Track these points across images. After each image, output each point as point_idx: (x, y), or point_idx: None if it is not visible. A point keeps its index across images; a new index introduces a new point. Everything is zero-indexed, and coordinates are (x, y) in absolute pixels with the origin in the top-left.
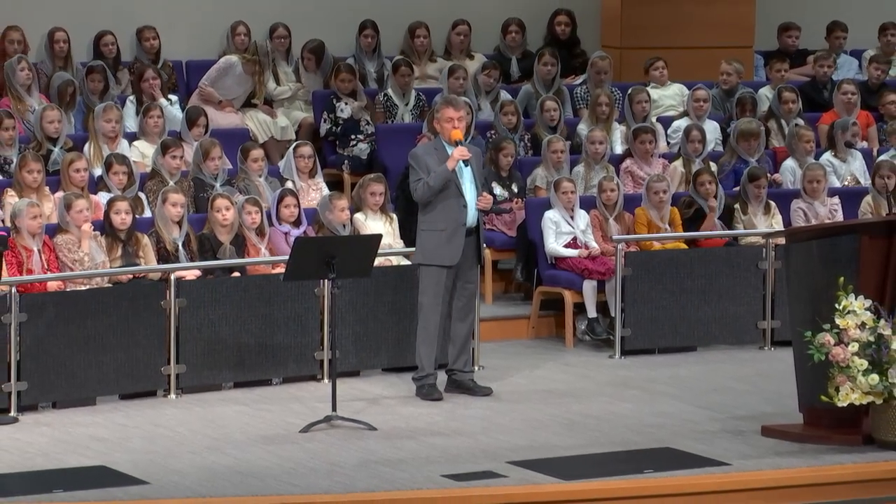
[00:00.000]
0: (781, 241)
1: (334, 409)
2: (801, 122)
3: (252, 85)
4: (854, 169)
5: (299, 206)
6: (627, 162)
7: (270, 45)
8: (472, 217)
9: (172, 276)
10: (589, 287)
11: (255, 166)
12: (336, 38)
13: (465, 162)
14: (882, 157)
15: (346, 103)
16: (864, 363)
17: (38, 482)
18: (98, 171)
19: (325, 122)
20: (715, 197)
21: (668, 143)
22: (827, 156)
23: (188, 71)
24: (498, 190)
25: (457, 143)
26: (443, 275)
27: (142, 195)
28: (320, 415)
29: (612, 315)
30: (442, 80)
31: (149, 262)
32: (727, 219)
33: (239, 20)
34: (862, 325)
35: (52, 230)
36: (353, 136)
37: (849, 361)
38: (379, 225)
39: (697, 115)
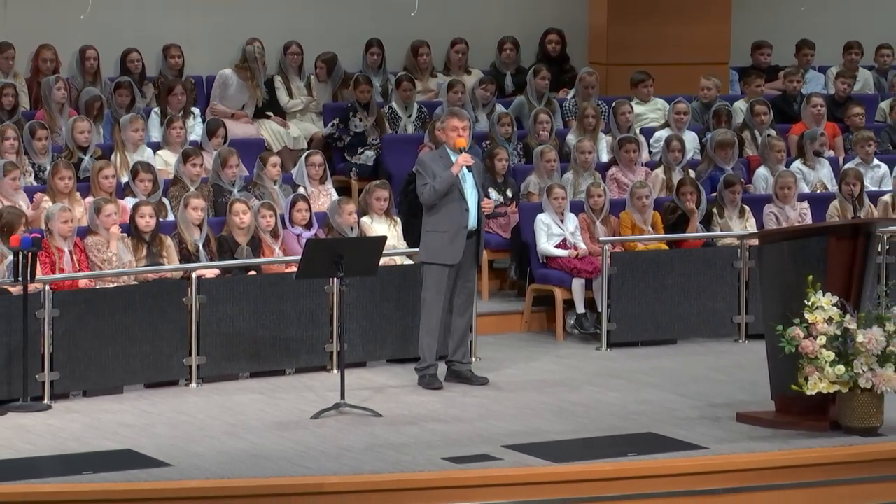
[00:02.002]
0: (755, 242)
1: (343, 397)
2: (772, 132)
3: (257, 90)
4: (822, 176)
5: (310, 210)
6: (613, 169)
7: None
8: (473, 220)
9: (193, 275)
10: (577, 285)
11: (273, 171)
12: (345, 55)
13: (469, 168)
14: (848, 166)
15: (361, 119)
16: (832, 355)
17: (70, 464)
18: (125, 178)
19: (332, 126)
20: (697, 204)
21: (651, 152)
22: (797, 164)
23: (208, 86)
24: (494, 195)
25: (461, 151)
26: (445, 273)
27: (165, 200)
28: (330, 402)
29: (599, 310)
30: (441, 93)
31: (171, 261)
32: (705, 222)
33: (254, 38)
34: (829, 320)
35: (83, 232)
36: (360, 148)
37: (817, 353)
38: (384, 227)
39: (678, 127)
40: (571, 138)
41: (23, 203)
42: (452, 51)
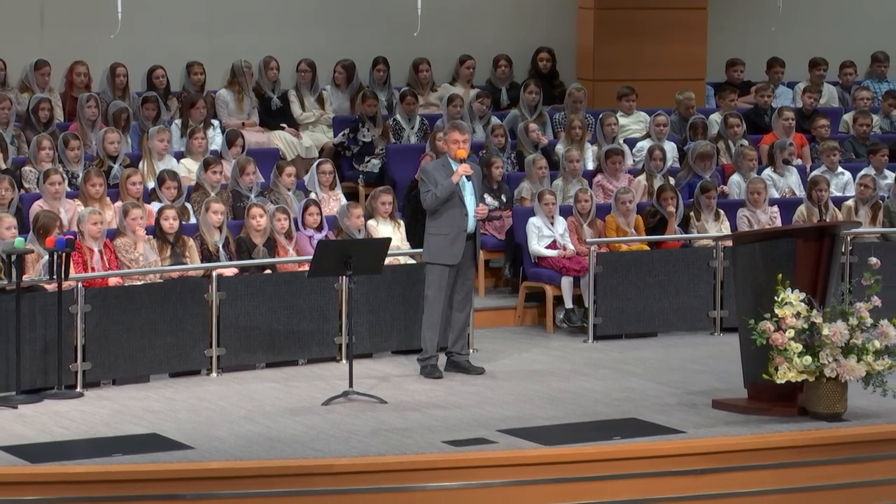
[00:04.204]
0: (729, 243)
1: (351, 385)
2: (745, 142)
3: (246, 99)
4: (791, 182)
5: (321, 214)
6: (599, 177)
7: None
8: (471, 224)
9: (214, 273)
10: (566, 282)
11: (288, 180)
12: None
13: (468, 177)
14: (814, 173)
15: (368, 129)
16: (799, 347)
17: (100, 447)
18: (151, 184)
19: (343, 135)
20: (675, 208)
21: (634, 160)
22: (767, 171)
23: None
24: (489, 200)
25: (462, 161)
26: (446, 272)
27: (188, 205)
28: (339, 390)
29: (586, 306)
30: (442, 107)
31: (194, 261)
32: (683, 224)
33: (271, 56)
34: (797, 315)
35: (112, 234)
36: (367, 157)
37: (786, 345)
38: (389, 229)
39: (658, 137)
40: (560, 148)
41: (62, 209)
42: (463, 67)
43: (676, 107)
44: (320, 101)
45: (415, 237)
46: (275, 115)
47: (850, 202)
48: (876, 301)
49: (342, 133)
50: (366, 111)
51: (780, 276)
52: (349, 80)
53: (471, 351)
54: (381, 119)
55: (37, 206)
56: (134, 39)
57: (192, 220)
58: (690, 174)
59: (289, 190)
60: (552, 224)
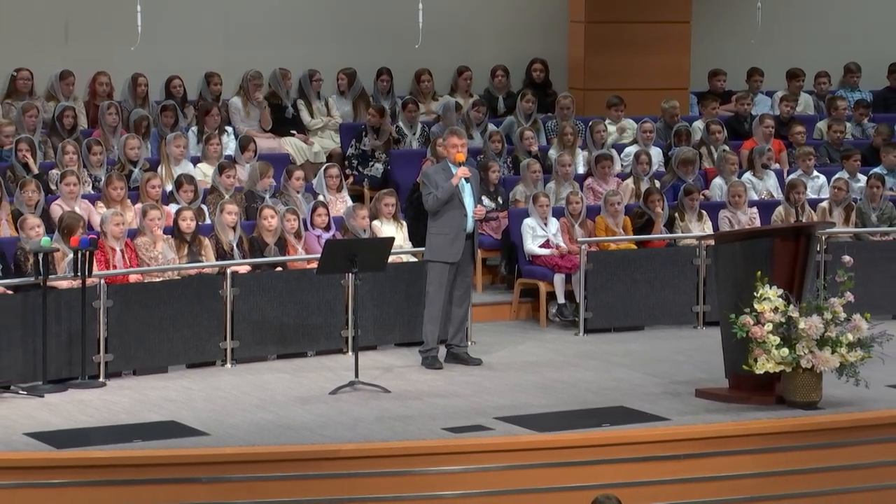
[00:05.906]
0: (711, 242)
1: (357, 375)
2: (726, 148)
3: (255, 106)
4: (769, 186)
5: (329, 215)
6: (589, 180)
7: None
8: (471, 224)
9: (228, 271)
10: (559, 279)
11: (297, 184)
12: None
13: (467, 180)
14: (791, 177)
15: (370, 139)
16: (777, 339)
17: (121, 434)
18: (169, 187)
19: (351, 147)
20: (661, 210)
21: (622, 165)
22: (747, 175)
23: None
24: (487, 201)
25: (460, 164)
26: (446, 270)
27: (203, 206)
28: (345, 380)
29: (577, 301)
30: (446, 111)
31: (209, 259)
32: (668, 225)
33: (284, 68)
34: (775, 310)
35: (133, 234)
36: (369, 161)
37: (765, 338)
38: (392, 229)
39: (644, 143)
40: (553, 153)
41: (78, 209)
42: (461, 77)
43: (662, 114)
44: (327, 108)
45: (417, 237)
46: (288, 123)
47: (825, 204)
48: (849, 296)
49: (350, 145)
50: (370, 122)
51: (759, 273)
52: (350, 85)
53: (469, 343)
54: (387, 130)
55: (56, 207)
56: (153, 51)
57: (208, 221)
58: (675, 178)
59: (298, 192)
60: (545, 224)
